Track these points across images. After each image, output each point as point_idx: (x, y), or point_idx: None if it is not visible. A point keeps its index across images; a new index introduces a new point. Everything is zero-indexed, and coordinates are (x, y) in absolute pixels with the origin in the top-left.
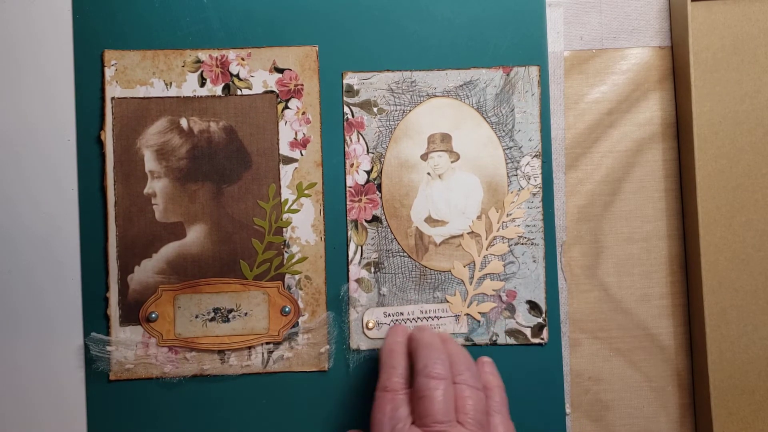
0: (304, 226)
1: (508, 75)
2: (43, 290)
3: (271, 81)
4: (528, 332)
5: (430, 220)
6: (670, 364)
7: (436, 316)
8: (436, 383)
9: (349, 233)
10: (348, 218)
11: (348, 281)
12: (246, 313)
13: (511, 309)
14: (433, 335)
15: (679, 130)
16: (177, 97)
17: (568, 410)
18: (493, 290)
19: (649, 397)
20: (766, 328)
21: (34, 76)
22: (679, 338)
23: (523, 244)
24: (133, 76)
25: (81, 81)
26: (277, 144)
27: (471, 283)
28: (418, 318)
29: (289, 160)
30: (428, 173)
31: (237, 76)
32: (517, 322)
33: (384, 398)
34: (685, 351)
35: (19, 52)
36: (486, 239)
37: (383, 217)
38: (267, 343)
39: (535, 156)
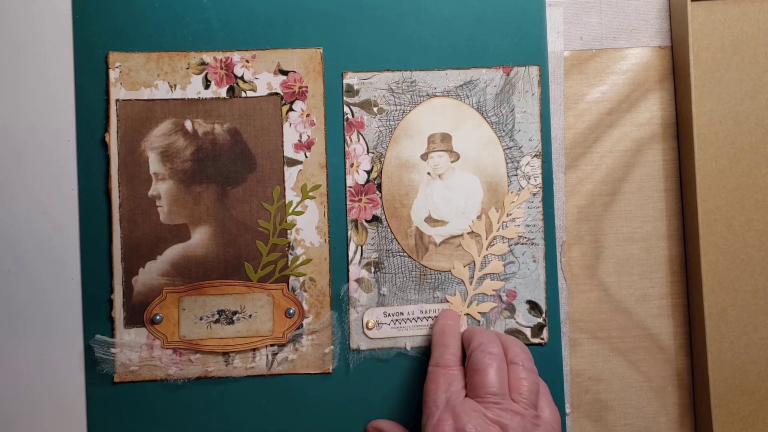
0: (308, 228)
1: (508, 75)
2: (44, 291)
3: (276, 83)
4: (528, 332)
5: (430, 220)
6: (670, 364)
7: (436, 316)
8: (491, 358)
9: (349, 233)
10: (348, 218)
11: (348, 281)
12: (250, 315)
13: (511, 309)
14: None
15: (679, 130)
16: (181, 99)
17: (568, 410)
18: (493, 290)
19: (649, 397)
20: (766, 328)
21: (34, 77)
22: (679, 338)
23: (523, 244)
24: (138, 78)
25: (81, 81)
26: (282, 146)
27: (471, 283)
28: (418, 318)
29: (293, 162)
30: (428, 173)
31: (241, 78)
32: (517, 322)
33: (437, 372)
34: (685, 351)
35: (20, 53)
36: (486, 239)
37: (383, 217)
38: (271, 345)
39: (535, 156)
